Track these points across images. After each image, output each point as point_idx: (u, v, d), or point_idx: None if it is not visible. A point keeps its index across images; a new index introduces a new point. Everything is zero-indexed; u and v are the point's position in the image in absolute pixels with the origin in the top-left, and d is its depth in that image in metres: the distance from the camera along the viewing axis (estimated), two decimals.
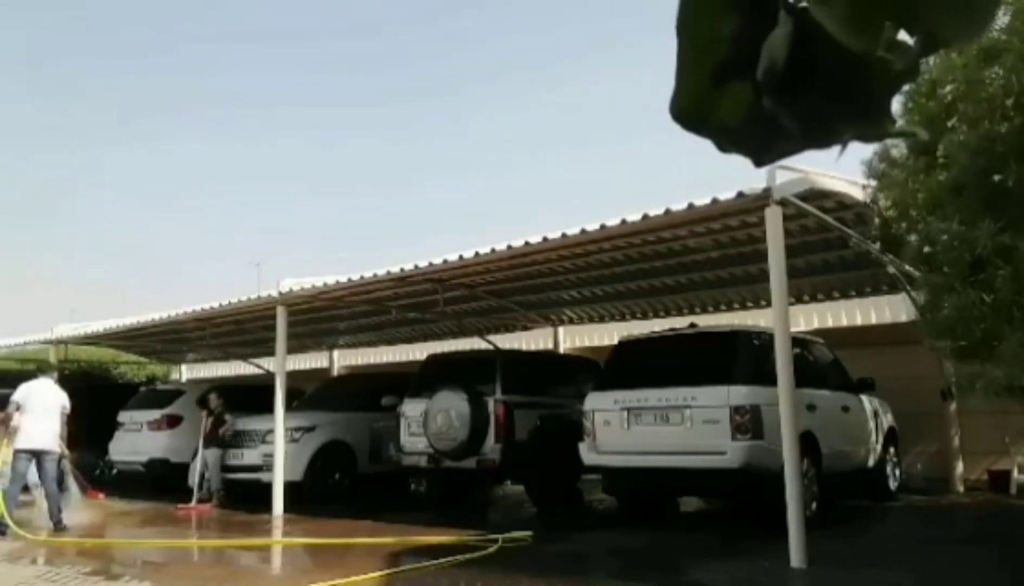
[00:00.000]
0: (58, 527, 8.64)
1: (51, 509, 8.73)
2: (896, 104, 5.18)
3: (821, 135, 0.80)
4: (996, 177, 3.91)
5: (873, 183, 5.95)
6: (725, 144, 0.83)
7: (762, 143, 0.82)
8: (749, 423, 7.20)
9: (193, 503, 10.37)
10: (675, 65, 0.80)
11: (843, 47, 0.72)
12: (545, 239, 7.87)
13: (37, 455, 8.75)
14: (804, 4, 0.73)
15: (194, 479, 10.79)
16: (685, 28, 0.79)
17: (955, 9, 0.70)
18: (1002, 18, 4.13)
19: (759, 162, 0.84)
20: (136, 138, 49.36)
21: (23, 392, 8.99)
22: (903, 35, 0.71)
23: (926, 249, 4.58)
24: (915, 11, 0.70)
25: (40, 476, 8.81)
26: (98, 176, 50.94)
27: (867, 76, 0.76)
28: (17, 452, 8.70)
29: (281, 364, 10.50)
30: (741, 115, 0.80)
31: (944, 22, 0.71)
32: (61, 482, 9.25)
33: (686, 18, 0.78)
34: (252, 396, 12.01)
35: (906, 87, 4.82)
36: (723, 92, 0.80)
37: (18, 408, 8.79)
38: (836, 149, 0.81)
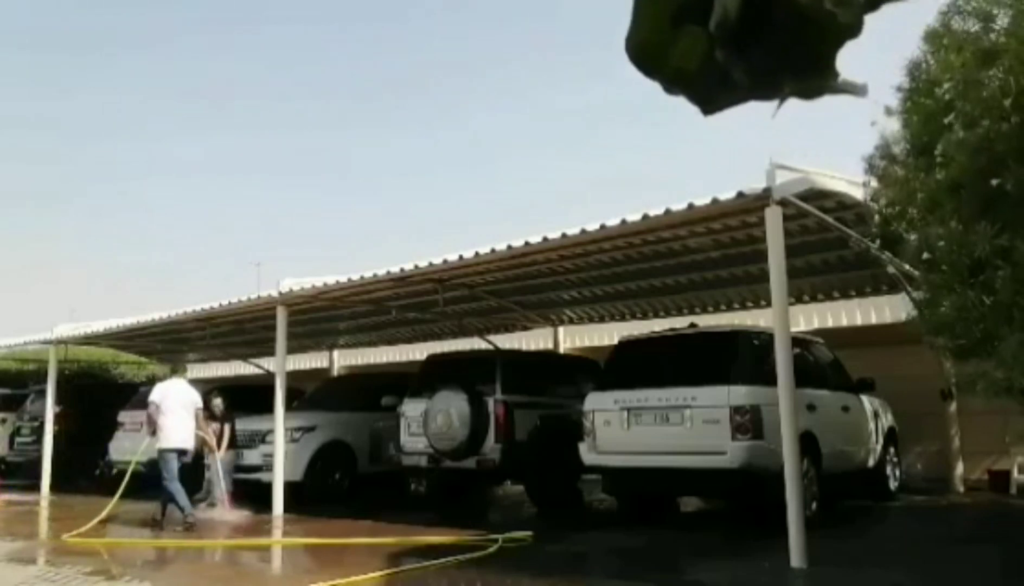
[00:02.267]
0: (155, 522, 8.81)
1: (162, 501, 8.91)
2: (895, 101, 5.16)
3: (767, 87, 0.81)
4: (994, 181, 3.91)
5: (873, 180, 5.95)
6: (675, 88, 0.84)
7: (711, 91, 0.83)
8: (749, 423, 7.20)
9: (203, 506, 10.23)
10: (632, 4, 0.81)
11: (793, 2, 0.73)
12: (545, 239, 7.87)
13: (181, 453, 8.97)
14: None
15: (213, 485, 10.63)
16: None
17: None
18: (1001, 20, 4.13)
19: (707, 110, 0.84)
20: (136, 136, 49.39)
21: (160, 392, 9.22)
22: None
23: (925, 256, 4.59)
24: None
25: (182, 471, 8.96)
26: (98, 175, 50.97)
27: (814, 30, 0.77)
28: (164, 451, 8.88)
29: (281, 364, 10.50)
30: (694, 61, 0.81)
31: None
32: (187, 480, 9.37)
33: None
34: (252, 396, 12.01)
35: (906, 86, 4.83)
36: (679, 35, 0.80)
37: (157, 408, 8.99)
38: (777, 105, 0.82)
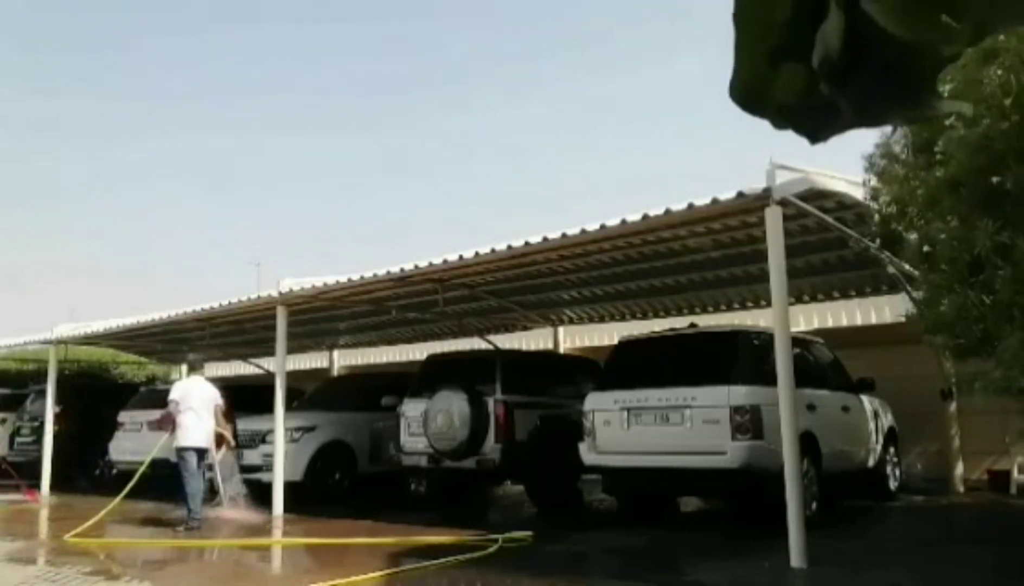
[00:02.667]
0: (189, 524, 8.78)
1: (193, 503, 8.89)
2: None
3: (873, 116, 0.85)
4: (994, 179, 3.91)
5: (873, 179, 5.95)
6: (781, 123, 0.88)
7: (817, 122, 0.88)
8: (749, 423, 7.20)
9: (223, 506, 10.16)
10: (733, 49, 0.85)
11: (893, 35, 0.76)
12: (545, 239, 7.87)
13: (200, 451, 8.98)
14: None
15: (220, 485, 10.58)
16: (741, 15, 0.83)
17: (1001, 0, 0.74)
18: None
19: (814, 140, 0.89)
20: (136, 135, 49.37)
21: (181, 390, 9.23)
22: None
23: (925, 249, 4.58)
24: (965, 2, 0.73)
25: (186, 469, 8.95)
26: (97, 174, 50.96)
27: (915, 60, 0.80)
28: (183, 450, 8.90)
29: (281, 364, 10.50)
30: (796, 95, 0.85)
31: (992, 10, 0.74)
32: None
33: (742, 5, 0.83)
34: (252, 396, 12.01)
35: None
36: (778, 73, 0.85)
37: (177, 406, 9.01)
38: (885, 129, 0.86)
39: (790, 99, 0.85)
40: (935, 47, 0.78)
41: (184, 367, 20.40)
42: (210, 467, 9.49)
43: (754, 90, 0.86)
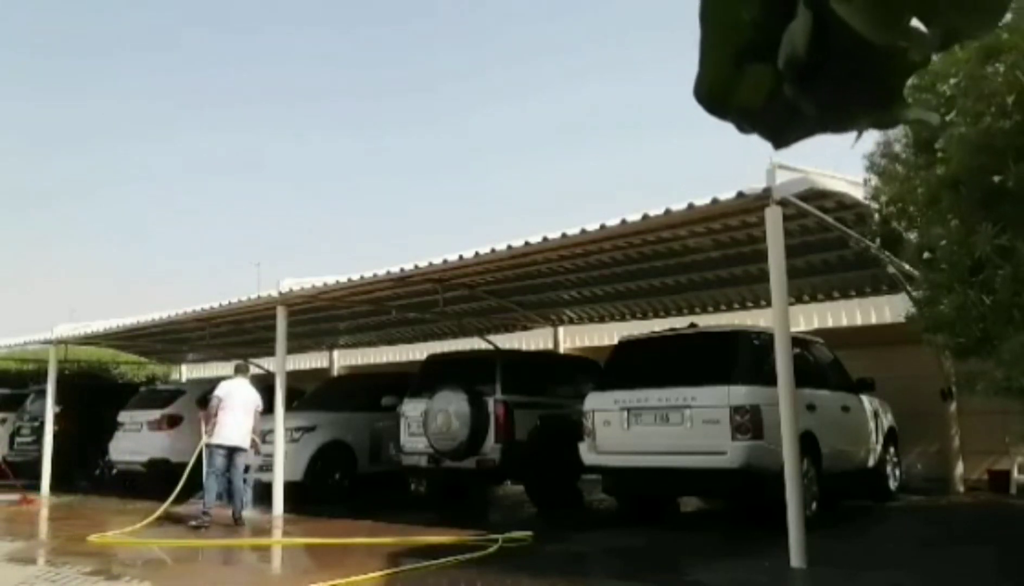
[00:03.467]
0: (237, 522, 8.88)
1: (234, 503, 8.99)
2: None
3: (838, 120, 0.83)
4: (996, 178, 3.91)
5: (874, 178, 5.95)
6: (745, 126, 0.86)
7: (781, 126, 0.85)
8: (749, 423, 7.20)
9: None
10: (699, 50, 0.83)
11: (861, 37, 0.74)
12: (545, 239, 7.87)
13: (231, 451, 9.04)
14: None
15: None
16: (707, 14, 0.81)
17: (970, 5, 0.73)
18: (1006, 15, 4.12)
19: (777, 144, 0.87)
20: (137, 135, 49.39)
21: (225, 389, 9.34)
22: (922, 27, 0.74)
23: (925, 255, 4.58)
24: (934, 5, 0.72)
25: (230, 471, 9.05)
26: (99, 176, 50.97)
27: (883, 64, 0.79)
28: (214, 447, 9.00)
29: (281, 364, 10.50)
30: (761, 98, 0.83)
31: (961, 15, 0.73)
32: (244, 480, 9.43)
33: (708, 4, 0.81)
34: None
35: (908, 81, 4.83)
36: (744, 75, 0.83)
37: (220, 402, 9.13)
38: (851, 135, 0.84)
39: (755, 102, 0.83)
40: (903, 52, 0.76)
41: (184, 367, 20.54)
42: (247, 468, 9.54)
43: (719, 91, 0.84)
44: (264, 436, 10.70)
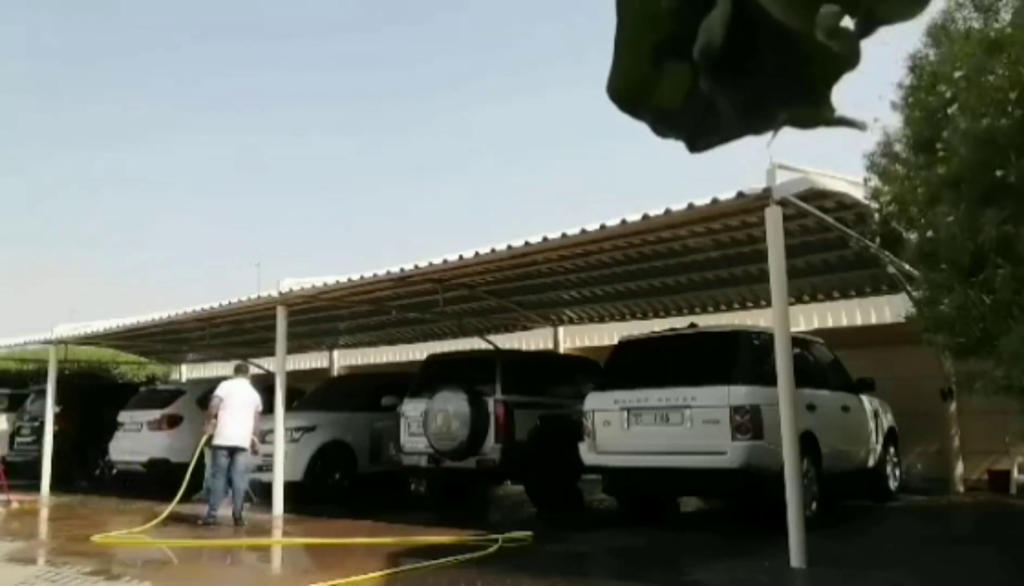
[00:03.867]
0: (238, 521, 8.88)
1: (236, 503, 8.99)
2: (896, 97, 5.15)
3: (758, 119, 0.78)
4: (998, 172, 3.91)
5: (874, 178, 5.95)
6: (661, 128, 0.81)
7: (699, 128, 0.80)
8: (749, 423, 7.19)
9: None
10: (613, 43, 0.77)
11: (783, 29, 0.69)
12: (545, 239, 7.87)
13: (232, 451, 9.08)
14: None
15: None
16: (623, 3, 0.76)
17: None
18: (1005, 12, 4.12)
19: (694, 147, 0.81)
20: (137, 137, 49.38)
21: (225, 389, 9.39)
22: (844, 21, 0.69)
23: (929, 234, 4.57)
24: None
25: (231, 471, 9.08)
26: (99, 176, 50.97)
27: (807, 60, 0.73)
28: (217, 448, 9.05)
29: (281, 364, 10.50)
30: (679, 98, 0.78)
31: (884, 1, 0.69)
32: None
33: None
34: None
35: (907, 82, 4.82)
36: (662, 73, 0.77)
37: (220, 402, 9.18)
38: (771, 135, 0.78)
39: (672, 102, 0.77)
40: (827, 48, 0.70)
41: (184, 367, 20.53)
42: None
43: (634, 89, 0.78)
44: (264, 436, 10.72)
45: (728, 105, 0.76)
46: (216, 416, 9.15)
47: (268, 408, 10.31)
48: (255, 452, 9.55)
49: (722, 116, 0.77)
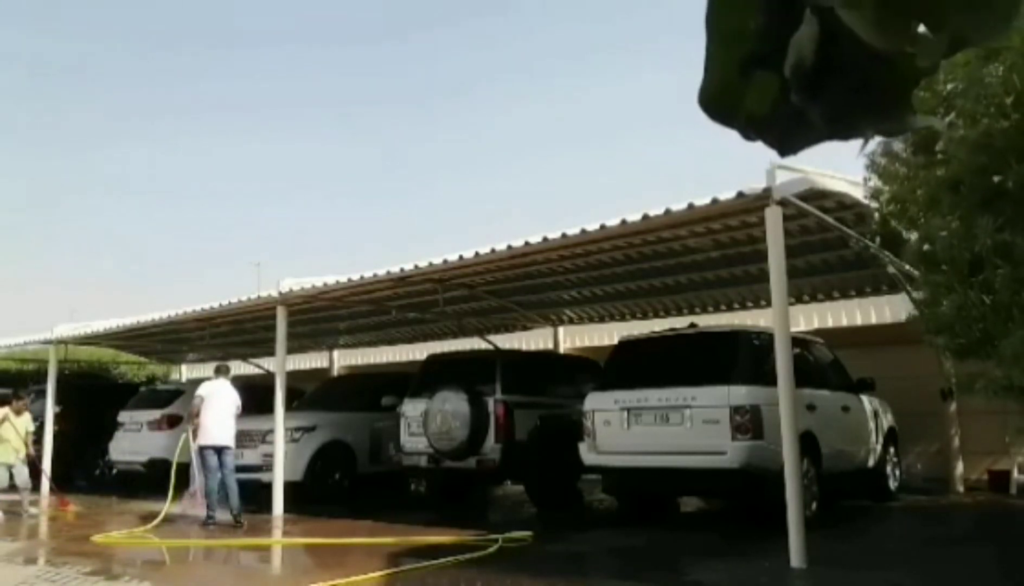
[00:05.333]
0: (237, 521, 8.86)
1: (230, 502, 8.97)
2: None
3: (845, 128, 0.82)
4: (996, 177, 3.91)
5: (874, 178, 5.95)
6: (751, 134, 0.85)
7: (787, 134, 0.84)
8: (749, 423, 7.19)
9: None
10: (704, 57, 0.82)
11: (868, 45, 0.73)
12: (545, 239, 7.87)
13: (219, 450, 9.09)
14: (829, 3, 0.74)
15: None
16: (713, 21, 0.80)
17: (979, 10, 0.72)
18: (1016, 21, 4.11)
19: (784, 152, 0.86)
20: (139, 138, 49.38)
21: (207, 389, 9.41)
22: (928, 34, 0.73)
23: (926, 247, 4.58)
24: (941, 12, 0.71)
25: (221, 471, 9.06)
26: (99, 177, 50.96)
27: (890, 72, 0.77)
28: (203, 448, 9.06)
29: (281, 364, 10.50)
30: (767, 106, 0.82)
31: (969, 22, 0.72)
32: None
33: (713, 12, 0.80)
34: (252, 395, 11.99)
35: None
36: (750, 83, 0.81)
37: (202, 401, 9.20)
38: (857, 141, 0.83)
39: (761, 109, 0.82)
40: (910, 60, 0.75)
41: (184, 367, 20.53)
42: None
43: (724, 99, 0.83)
44: (264, 436, 10.73)
45: (817, 115, 0.80)
46: (198, 416, 9.16)
47: (268, 408, 10.33)
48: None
49: (810, 123, 0.81)
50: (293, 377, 12.32)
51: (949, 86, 4.13)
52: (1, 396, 11.22)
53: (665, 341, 8.51)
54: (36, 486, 11.48)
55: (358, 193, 53.42)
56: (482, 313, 13.32)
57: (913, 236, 5.06)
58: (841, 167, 7.17)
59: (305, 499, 10.29)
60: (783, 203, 6.43)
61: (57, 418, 13.56)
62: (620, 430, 8.04)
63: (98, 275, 49.70)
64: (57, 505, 10.93)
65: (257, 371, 17.10)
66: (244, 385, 11.12)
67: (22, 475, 10.41)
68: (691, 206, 6.81)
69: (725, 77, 0.82)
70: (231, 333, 14.80)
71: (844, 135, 0.83)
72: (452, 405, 9.57)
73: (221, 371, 9.84)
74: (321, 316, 13.47)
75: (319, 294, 10.58)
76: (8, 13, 40.12)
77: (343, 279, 9.82)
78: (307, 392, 13.24)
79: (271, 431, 10.33)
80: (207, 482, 9.07)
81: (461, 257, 8.56)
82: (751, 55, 0.80)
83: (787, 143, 0.85)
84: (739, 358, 7.76)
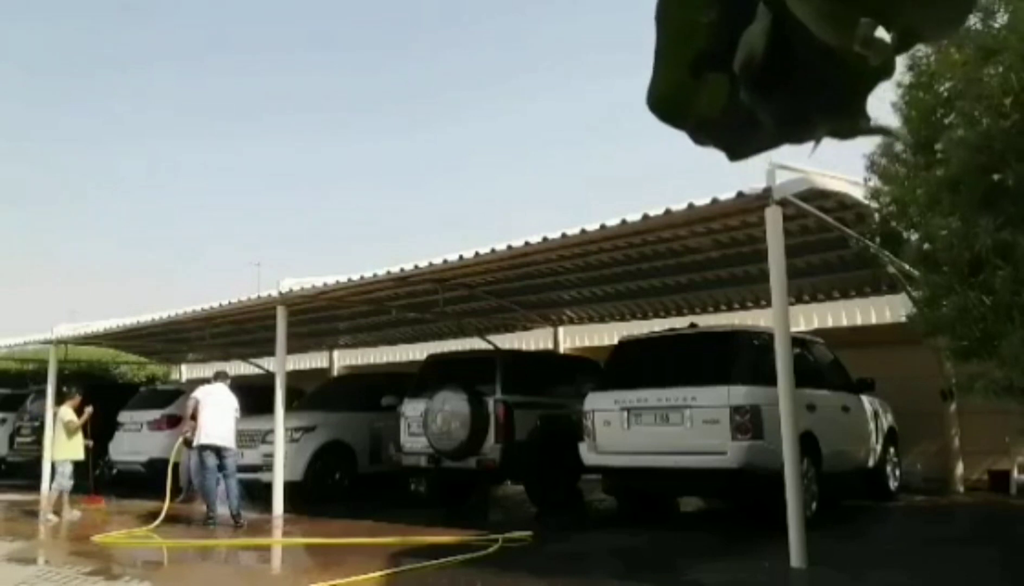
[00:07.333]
0: (237, 521, 8.85)
1: (231, 504, 8.98)
2: (894, 96, 5.15)
3: (796, 130, 0.79)
4: (995, 176, 3.91)
5: (874, 178, 5.95)
6: (701, 137, 0.82)
7: (737, 137, 0.81)
8: (749, 423, 7.19)
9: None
10: (653, 55, 0.79)
11: (820, 42, 0.71)
12: (545, 239, 7.86)
13: (218, 451, 9.10)
14: None
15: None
16: (664, 16, 0.77)
17: (931, 4, 0.70)
18: (1001, 17, 4.12)
19: (734, 156, 0.83)
20: (139, 140, 49.39)
21: (202, 391, 9.48)
22: (880, 32, 0.71)
23: (926, 247, 4.58)
24: (892, 6, 0.68)
25: (222, 473, 9.09)
26: (100, 178, 50.96)
27: (844, 72, 0.75)
28: (202, 448, 9.08)
29: (281, 364, 10.49)
30: (718, 108, 0.79)
31: (921, 17, 0.70)
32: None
33: (664, 6, 0.77)
34: (252, 396, 11.99)
35: (905, 81, 4.82)
36: (701, 84, 0.79)
37: (197, 403, 9.25)
38: (812, 145, 0.80)
39: (711, 112, 0.79)
40: (863, 59, 0.71)
41: (184, 367, 20.54)
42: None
43: (674, 100, 0.80)
44: (264, 436, 10.74)
45: (767, 116, 0.78)
46: (193, 418, 9.17)
47: (268, 409, 10.33)
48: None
49: (761, 126, 0.78)
50: (293, 377, 12.32)
51: (948, 86, 4.14)
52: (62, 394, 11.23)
53: (665, 341, 8.51)
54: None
55: (358, 191, 53.45)
56: (482, 313, 13.32)
57: (913, 236, 5.06)
58: (841, 167, 7.18)
59: (305, 499, 10.29)
60: (783, 203, 6.43)
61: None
62: (620, 430, 8.04)
63: (99, 275, 49.72)
64: (87, 503, 10.92)
65: (257, 371, 17.10)
66: (244, 386, 11.18)
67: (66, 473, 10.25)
68: (691, 206, 6.81)
69: (676, 77, 0.79)
70: (231, 333, 14.80)
71: (795, 138, 0.80)
72: (452, 405, 9.57)
73: (219, 377, 9.86)
74: (321, 316, 13.48)
75: (319, 294, 10.58)
76: (7, 12, 40.12)
77: (343, 279, 9.81)
78: (307, 392, 13.24)
79: (271, 431, 10.33)
80: (204, 482, 9.07)
81: (461, 257, 8.56)
82: (703, 54, 0.78)
83: (737, 147, 0.82)
84: (739, 358, 7.76)
